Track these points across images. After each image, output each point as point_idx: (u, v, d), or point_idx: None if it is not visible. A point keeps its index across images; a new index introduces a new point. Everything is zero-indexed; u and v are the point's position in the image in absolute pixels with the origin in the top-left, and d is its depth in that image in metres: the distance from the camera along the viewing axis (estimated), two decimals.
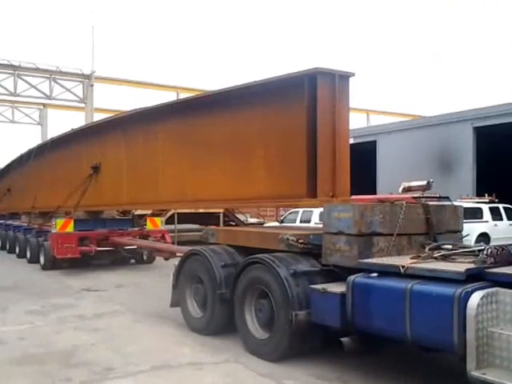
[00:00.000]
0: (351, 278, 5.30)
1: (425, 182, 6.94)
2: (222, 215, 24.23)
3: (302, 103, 6.71)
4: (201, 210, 19.90)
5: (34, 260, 15.86)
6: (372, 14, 74.00)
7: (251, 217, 26.45)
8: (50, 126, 34.59)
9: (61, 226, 13.77)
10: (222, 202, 8.91)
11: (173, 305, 7.93)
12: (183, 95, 25.34)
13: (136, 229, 15.40)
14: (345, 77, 6.83)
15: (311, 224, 20.29)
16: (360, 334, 5.39)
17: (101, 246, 14.09)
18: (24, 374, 5.73)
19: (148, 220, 15.59)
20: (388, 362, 6.08)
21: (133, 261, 15.66)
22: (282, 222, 22.04)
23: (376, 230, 5.73)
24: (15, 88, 29.51)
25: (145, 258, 12.58)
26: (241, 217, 25.16)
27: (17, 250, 18.16)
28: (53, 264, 14.40)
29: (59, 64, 30.28)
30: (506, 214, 18.82)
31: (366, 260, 5.47)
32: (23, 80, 29.68)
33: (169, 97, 28.06)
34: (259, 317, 6.40)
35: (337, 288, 5.55)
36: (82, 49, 71.21)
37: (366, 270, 5.35)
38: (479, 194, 20.63)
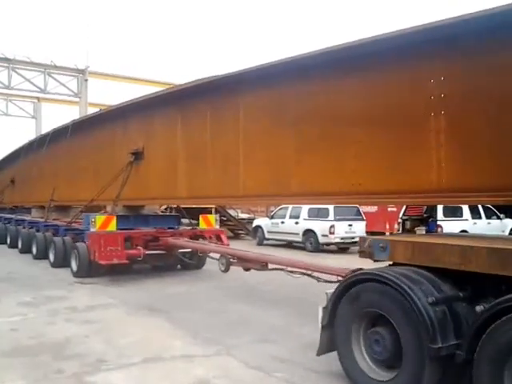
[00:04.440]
0: None
1: None
2: (214, 210, 21.42)
3: None
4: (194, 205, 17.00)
5: (58, 264, 11.51)
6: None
7: (242, 212, 23.67)
8: (44, 119, 30.85)
9: (101, 223, 9.70)
10: (364, 196, 5.43)
11: (321, 352, 4.65)
12: None
13: (188, 228, 11.44)
14: None
15: (300, 220, 18.20)
16: None
17: (148, 248, 10.12)
18: (16, 366, 4.99)
19: (201, 217, 11.42)
20: None
21: (179, 266, 11.51)
22: (272, 217, 19.63)
23: None
24: (9, 81, 25.73)
25: (222, 268, 7.74)
26: (232, 212, 22.41)
27: (34, 250, 13.43)
28: (88, 270, 10.16)
29: (54, 58, 26.73)
30: (485, 213, 17.31)
31: None
32: (18, 73, 25.91)
33: None
34: None
35: None
36: (76, 43, 66.10)
37: None
38: None
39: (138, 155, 9.39)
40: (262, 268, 7.30)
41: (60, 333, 6.20)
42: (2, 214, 19.07)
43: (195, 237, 10.78)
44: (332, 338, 4.56)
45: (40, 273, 11.07)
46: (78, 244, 10.55)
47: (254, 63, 6.77)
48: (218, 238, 10.75)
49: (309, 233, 17.51)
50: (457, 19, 4.14)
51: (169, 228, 10.91)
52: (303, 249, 17.32)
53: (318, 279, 6.27)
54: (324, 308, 4.62)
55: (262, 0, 67.99)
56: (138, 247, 9.86)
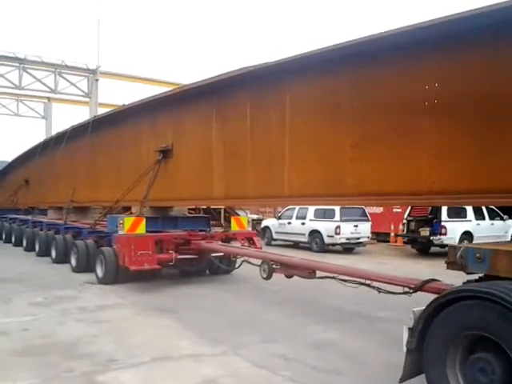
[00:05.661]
0: None
1: None
2: (223, 211, 21.30)
3: None
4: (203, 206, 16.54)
5: (81, 269, 10.57)
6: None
7: (251, 213, 23.64)
8: (55, 119, 30.49)
9: (130, 226, 8.78)
10: (440, 196, 4.63)
11: (405, 377, 3.82)
12: None
13: (220, 230, 10.61)
14: None
15: (306, 221, 18.44)
16: None
17: (179, 252, 9.26)
18: (27, 365, 4.87)
19: (233, 219, 10.57)
20: None
21: (207, 272, 10.56)
22: (279, 218, 19.68)
23: None
24: (20, 81, 25.18)
25: (264, 275, 6.97)
26: (241, 213, 22.32)
27: (53, 253, 12.46)
28: (115, 276, 9.20)
29: (65, 58, 26.29)
30: (488, 214, 17.02)
31: None
32: (28, 73, 25.37)
33: None
34: None
35: None
36: (87, 43, 65.61)
37: None
38: None
39: (166, 153, 8.62)
40: (309, 276, 6.55)
41: (70, 333, 6.07)
42: (17, 216, 18.24)
43: (226, 239, 10.00)
44: (419, 363, 3.81)
45: (58, 275, 10.64)
46: (103, 248, 9.63)
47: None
48: (251, 241, 9.90)
49: (315, 233, 17.46)
50: None
51: (200, 230, 10.07)
52: (309, 249, 17.16)
53: (379, 290, 5.46)
54: (410, 329, 3.83)
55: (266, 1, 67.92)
56: (170, 251, 9.05)
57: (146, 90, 26.14)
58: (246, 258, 8.32)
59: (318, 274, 6.58)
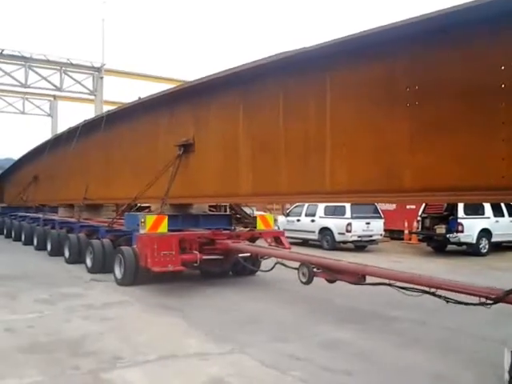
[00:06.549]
0: None
1: None
2: (228, 207, 20.80)
3: None
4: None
5: (96, 269, 9.99)
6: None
7: (257, 210, 23.14)
8: (60, 117, 30.33)
9: (151, 224, 8.23)
10: None
11: None
12: None
13: (246, 229, 10.03)
14: None
15: (316, 218, 17.86)
16: None
17: (203, 252, 8.61)
18: (33, 362, 4.81)
19: (258, 218, 9.99)
20: None
21: (230, 272, 9.93)
22: (287, 215, 19.16)
23: None
24: (26, 79, 24.81)
25: (303, 279, 6.36)
26: (247, 210, 21.87)
27: (66, 253, 11.78)
28: (135, 277, 8.67)
29: (70, 56, 26.07)
30: (508, 211, 16.20)
31: None
32: (34, 71, 24.99)
33: None
34: None
35: None
36: (92, 41, 65.91)
37: None
38: None
39: (187, 147, 8.11)
40: (358, 281, 5.89)
41: (76, 330, 6.00)
42: (27, 214, 17.79)
43: (252, 239, 9.38)
44: None
45: (66, 272, 10.41)
46: (123, 248, 8.95)
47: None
48: (278, 241, 9.30)
49: (325, 231, 16.95)
50: None
51: (225, 229, 9.48)
52: (320, 247, 16.68)
53: (447, 300, 4.84)
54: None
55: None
56: (194, 251, 8.41)
57: (151, 87, 25.77)
58: (279, 259, 7.58)
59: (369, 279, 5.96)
